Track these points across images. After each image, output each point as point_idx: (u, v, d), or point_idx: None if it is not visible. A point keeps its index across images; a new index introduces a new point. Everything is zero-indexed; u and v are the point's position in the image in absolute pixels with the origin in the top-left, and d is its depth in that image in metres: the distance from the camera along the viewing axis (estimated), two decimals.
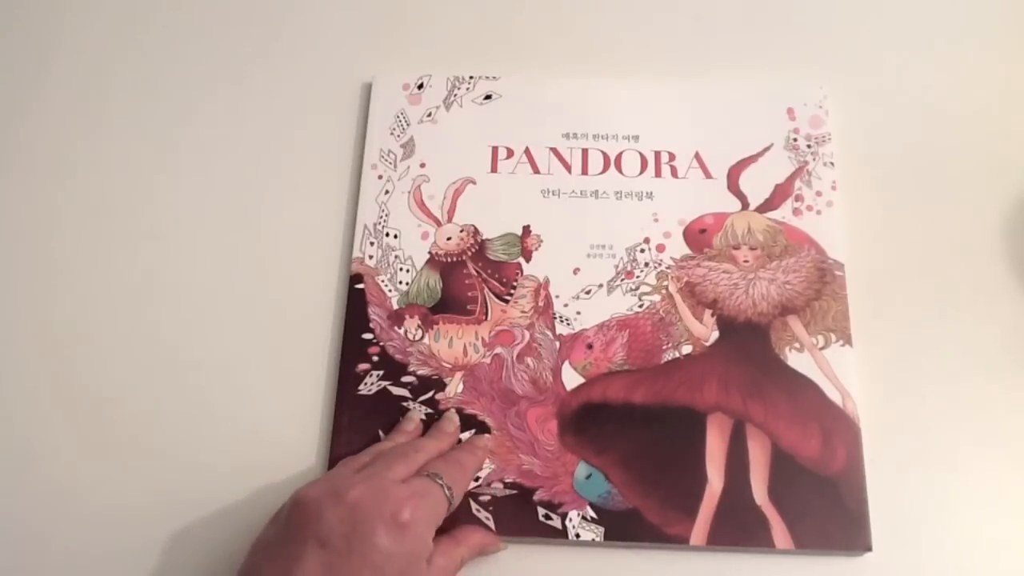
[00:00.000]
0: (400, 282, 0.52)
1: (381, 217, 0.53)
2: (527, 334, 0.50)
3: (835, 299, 0.50)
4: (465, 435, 0.48)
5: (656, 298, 0.51)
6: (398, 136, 0.55)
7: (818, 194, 0.53)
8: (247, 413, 0.49)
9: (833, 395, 0.48)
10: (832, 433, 0.47)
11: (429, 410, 0.49)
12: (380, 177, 0.54)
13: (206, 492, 0.47)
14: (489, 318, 0.51)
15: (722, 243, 0.52)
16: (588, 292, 0.51)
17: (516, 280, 0.52)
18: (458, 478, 0.44)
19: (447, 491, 0.43)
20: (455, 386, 0.49)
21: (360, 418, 0.48)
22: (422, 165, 0.55)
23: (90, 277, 0.53)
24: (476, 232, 0.53)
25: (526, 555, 0.46)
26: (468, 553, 0.44)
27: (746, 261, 0.52)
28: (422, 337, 0.50)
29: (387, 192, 0.54)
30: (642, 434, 0.47)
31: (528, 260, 0.52)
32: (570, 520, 0.46)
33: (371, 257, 0.52)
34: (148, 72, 0.59)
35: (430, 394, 0.49)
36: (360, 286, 0.51)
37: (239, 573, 0.41)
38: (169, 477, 0.48)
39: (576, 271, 0.52)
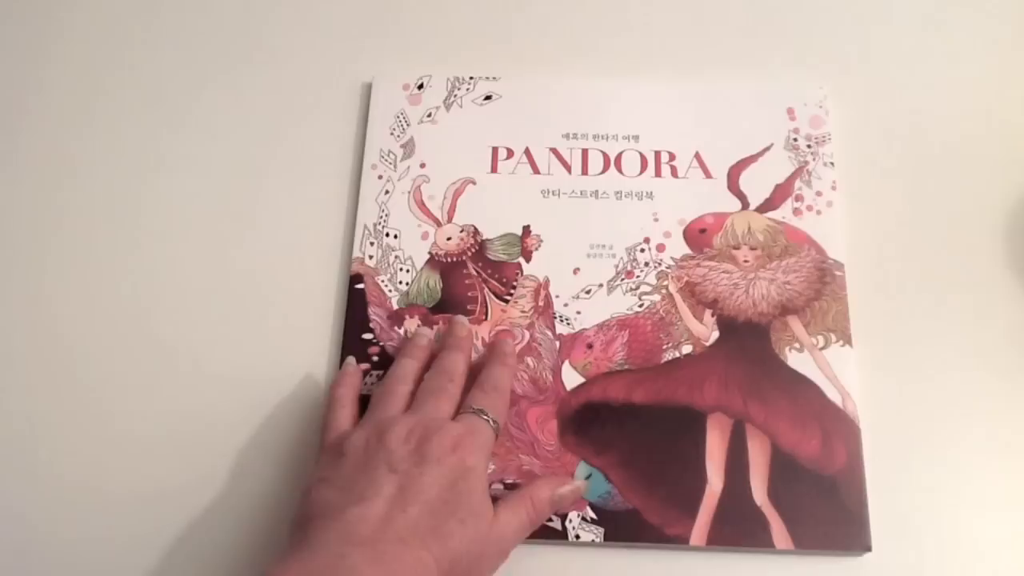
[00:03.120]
0: (400, 282, 0.52)
1: (381, 217, 0.53)
2: (527, 334, 0.50)
3: (835, 299, 0.50)
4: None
5: (656, 298, 0.51)
6: (398, 136, 0.55)
7: (818, 194, 0.53)
8: (247, 413, 0.49)
9: (833, 395, 0.48)
10: (832, 433, 0.47)
11: None
12: (380, 177, 0.54)
13: (206, 491, 0.48)
14: (489, 318, 0.51)
15: (722, 243, 0.52)
16: (588, 292, 0.51)
17: (516, 280, 0.52)
18: (501, 408, 0.46)
19: (493, 425, 0.44)
20: None
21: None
22: (422, 165, 0.55)
23: (89, 276, 0.53)
24: (476, 232, 0.53)
25: (526, 556, 0.46)
26: (534, 512, 0.44)
27: (746, 261, 0.52)
28: None
29: (387, 192, 0.54)
30: (642, 434, 0.48)
31: (528, 260, 0.52)
32: (570, 521, 0.46)
33: (371, 257, 0.52)
34: (148, 72, 0.59)
35: None
36: (360, 286, 0.51)
37: (305, 497, 0.41)
38: (169, 475, 0.48)
39: (576, 271, 0.52)
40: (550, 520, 0.46)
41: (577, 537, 0.46)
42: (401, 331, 0.50)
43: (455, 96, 0.56)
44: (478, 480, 0.42)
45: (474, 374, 0.47)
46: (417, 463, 0.41)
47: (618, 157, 0.55)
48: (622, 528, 0.46)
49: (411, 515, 0.39)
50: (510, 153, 0.55)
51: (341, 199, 0.55)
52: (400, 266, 0.52)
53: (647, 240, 0.52)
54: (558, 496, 0.44)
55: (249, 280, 0.53)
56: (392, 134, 0.56)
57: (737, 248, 0.52)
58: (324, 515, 0.39)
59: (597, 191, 0.54)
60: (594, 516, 0.46)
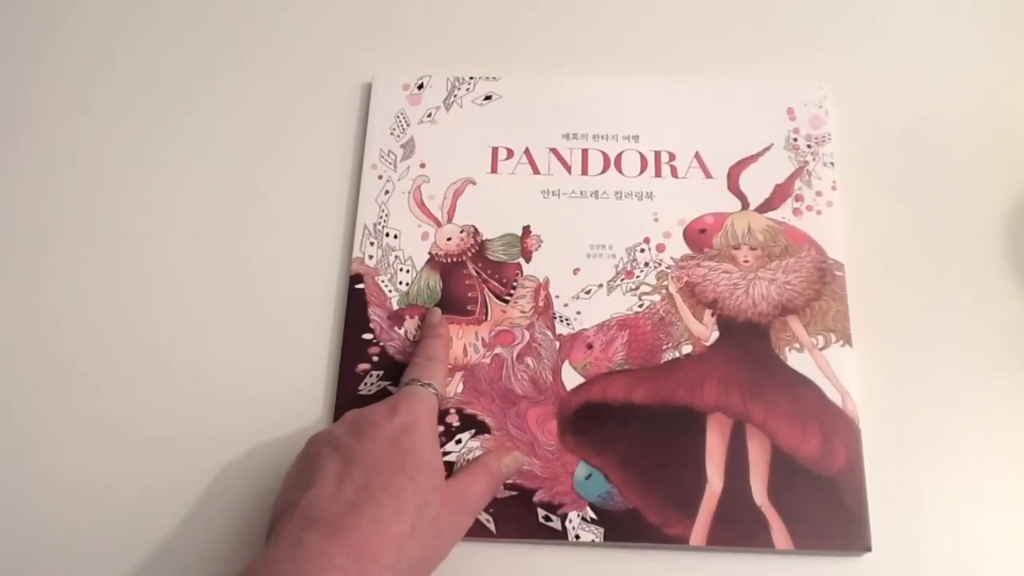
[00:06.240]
0: (400, 282, 0.52)
1: (381, 217, 0.53)
2: (527, 334, 0.50)
3: (835, 299, 0.50)
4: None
5: (656, 298, 0.51)
6: (398, 136, 0.55)
7: (818, 194, 0.53)
8: (247, 412, 0.49)
9: (833, 395, 0.48)
10: (832, 433, 0.47)
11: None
12: (380, 177, 0.54)
13: (205, 490, 0.48)
14: (489, 318, 0.51)
15: (722, 243, 0.52)
16: (588, 292, 0.51)
17: (516, 280, 0.52)
18: (436, 373, 0.47)
19: (431, 389, 0.45)
20: (455, 386, 0.49)
21: None
22: (422, 165, 0.55)
23: (89, 275, 0.53)
24: (476, 232, 0.53)
25: (526, 556, 0.46)
26: (491, 479, 0.45)
27: (746, 261, 0.52)
28: None
29: (387, 192, 0.54)
30: (642, 434, 0.48)
31: (528, 260, 0.52)
32: (570, 521, 0.46)
33: (371, 257, 0.52)
34: (147, 72, 0.59)
35: None
36: (360, 286, 0.51)
37: (274, 506, 0.42)
38: (168, 475, 0.48)
39: (576, 271, 0.52)
40: (550, 520, 0.46)
41: (577, 537, 0.46)
42: (401, 331, 0.50)
43: (455, 96, 0.56)
44: (422, 437, 0.42)
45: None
46: (355, 434, 0.41)
47: (618, 157, 0.55)
48: (622, 528, 0.46)
49: (359, 480, 0.39)
50: (510, 153, 0.55)
51: (341, 199, 0.55)
52: (400, 266, 0.52)
53: (647, 240, 0.52)
54: (504, 466, 0.46)
55: (249, 280, 0.53)
56: (392, 134, 0.56)
57: (737, 248, 0.52)
58: (284, 512, 0.40)
59: (597, 191, 0.54)
60: (594, 516, 0.46)
